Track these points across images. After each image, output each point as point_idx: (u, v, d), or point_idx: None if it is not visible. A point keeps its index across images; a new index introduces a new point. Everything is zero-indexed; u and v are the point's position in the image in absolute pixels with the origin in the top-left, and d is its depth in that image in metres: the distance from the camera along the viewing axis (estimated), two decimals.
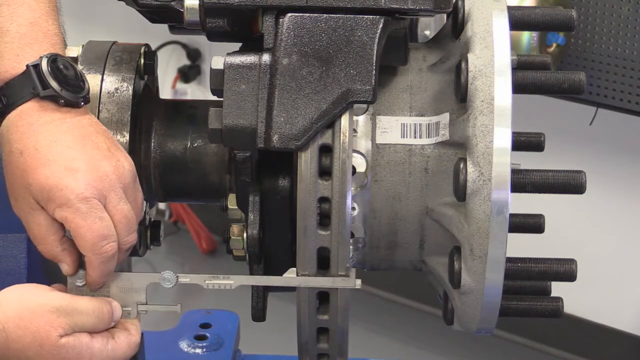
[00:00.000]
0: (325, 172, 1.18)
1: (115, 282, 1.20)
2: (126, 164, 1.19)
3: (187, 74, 3.92)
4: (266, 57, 1.18)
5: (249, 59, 1.19)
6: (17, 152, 1.15)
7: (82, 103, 1.18)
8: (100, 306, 1.17)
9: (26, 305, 1.14)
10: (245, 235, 1.25)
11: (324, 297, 1.23)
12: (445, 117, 1.21)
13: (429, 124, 1.22)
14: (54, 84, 1.16)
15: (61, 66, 1.17)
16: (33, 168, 1.14)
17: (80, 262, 1.19)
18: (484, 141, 1.15)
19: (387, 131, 1.23)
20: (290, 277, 1.21)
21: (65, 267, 1.19)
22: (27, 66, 1.17)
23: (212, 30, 1.23)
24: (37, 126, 1.16)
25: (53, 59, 1.17)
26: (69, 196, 1.13)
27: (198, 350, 1.65)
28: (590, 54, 2.97)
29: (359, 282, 1.20)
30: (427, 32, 2.69)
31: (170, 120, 1.34)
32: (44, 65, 1.16)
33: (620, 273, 3.35)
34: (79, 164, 1.14)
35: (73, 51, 1.32)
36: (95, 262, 1.16)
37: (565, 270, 1.24)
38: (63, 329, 1.14)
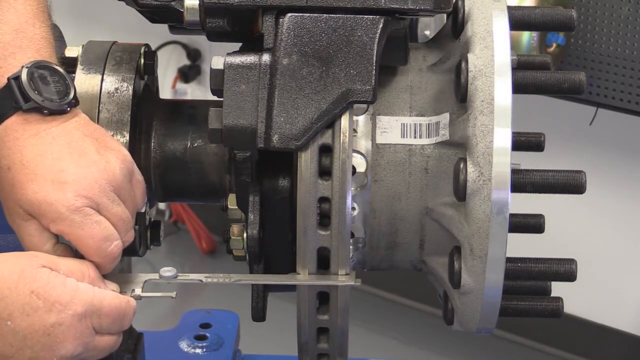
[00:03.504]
0: (325, 172, 1.18)
1: (113, 279, 1.20)
2: (117, 162, 1.17)
3: (187, 74, 3.92)
4: (266, 57, 1.18)
5: (249, 59, 1.19)
6: (5, 168, 1.15)
7: (68, 108, 1.17)
8: (81, 265, 1.16)
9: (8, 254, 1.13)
10: (245, 235, 1.25)
11: (324, 297, 1.23)
12: (445, 117, 1.21)
13: (429, 124, 1.22)
14: (35, 96, 1.14)
15: (44, 73, 1.16)
16: (21, 183, 1.13)
17: None
18: (484, 141, 1.15)
19: (387, 131, 1.23)
20: (289, 275, 1.21)
21: None
22: (8, 79, 1.15)
23: (212, 30, 1.23)
24: (23, 140, 1.15)
25: (35, 67, 1.16)
26: (60, 210, 1.13)
27: (198, 350, 1.65)
28: (590, 54, 2.97)
29: (359, 280, 1.21)
30: (427, 32, 2.69)
31: (170, 120, 1.34)
32: (24, 76, 1.15)
33: (620, 273, 3.34)
34: (65, 176, 1.13)
35: (73, 51, 1.32)
36: (103, 265, 1.16)
37: (565, 270, 1.24)
38: (43, 264, 1.12)
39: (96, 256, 1.15)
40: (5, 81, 1.16)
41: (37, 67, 1.16)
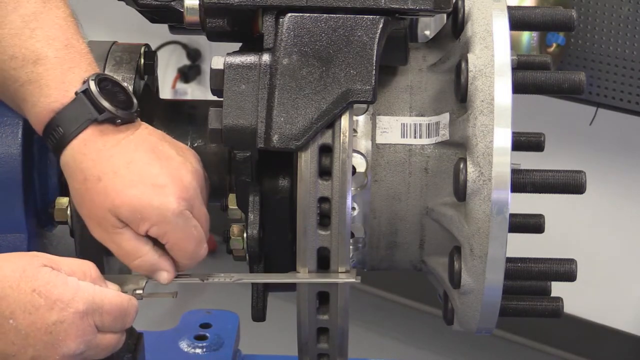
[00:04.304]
0: (325, 172, 1.18)
1: (114, 278, 1.20)
2: (194, 162, 1.20)
3: (187, 74, 3.92)
4: (266, 57, 1.18)
5: (249, 59, 1.19)
6: (94, 179, 1.15)
7: (136, 116, 1.20)
8: (82, 265, 1.16)
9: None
10: (245, 235, 1.25)
11: (324, 297, 1.23)
12: (445, 117, 1.21)
13: (429, 124, 1.22)
14: (108, 106, 1.16)
15: (107, 85, 1.18)
16: (117, 191, 1.14)
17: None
18: (484, 141, 1.15)
19: (387, 131, 1.23)
20: (289, 274, 1.22)
21: (166, 274, 1.20)
22: (77, 93, 1.16)
23: (212, 30, 1.23)
24: (106, 151, 1.16)
25: (99, 80, 1.17)
26: (165, 213, 1.15)
27: (198, 350, 1.65)
28: (590, 54, 2.97)
29: (359, 277, 1.21)
30: (427, 32, 2.69)
31: (170, 120, 1.34)
32: (94, 89, 1.16)
33: (620, 273, 3.35)
34: (163, 179, 1.15)
35: None
36: (191, 266, 1.20)
37: (565, 270, 1.24)
38: (44, 263, 1.12)
39: (190, 259, 1.19)
40: (71, 96, 1.16)
41: (100, 80, 1.17)
